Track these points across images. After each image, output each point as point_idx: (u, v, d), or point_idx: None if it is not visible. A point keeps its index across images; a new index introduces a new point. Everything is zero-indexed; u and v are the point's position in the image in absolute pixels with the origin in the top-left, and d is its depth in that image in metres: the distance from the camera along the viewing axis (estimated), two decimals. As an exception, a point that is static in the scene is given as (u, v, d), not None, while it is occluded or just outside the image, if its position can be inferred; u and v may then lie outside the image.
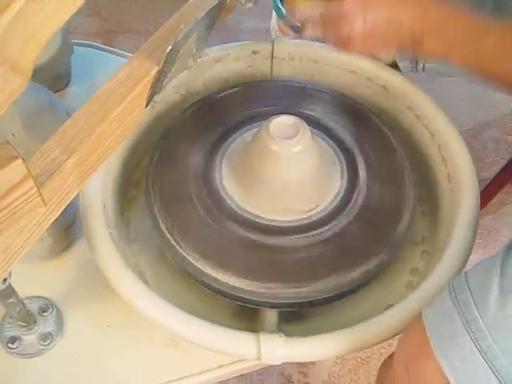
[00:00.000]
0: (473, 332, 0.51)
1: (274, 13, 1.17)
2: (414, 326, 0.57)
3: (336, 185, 0.71)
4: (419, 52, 0.66)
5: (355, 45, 0.67)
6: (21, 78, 0.44)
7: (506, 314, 0.50)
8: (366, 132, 0.76)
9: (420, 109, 0.78)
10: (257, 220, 0.68)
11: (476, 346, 0.50)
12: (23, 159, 0.46)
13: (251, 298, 0.64)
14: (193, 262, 0.66)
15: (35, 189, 0.49)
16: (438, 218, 0.74)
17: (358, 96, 0.83)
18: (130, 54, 0.97)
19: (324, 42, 0.85)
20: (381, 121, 0.78)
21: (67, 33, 0.91)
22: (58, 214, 0.57)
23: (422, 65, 0.82)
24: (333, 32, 0.68)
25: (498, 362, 0.50)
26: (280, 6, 1.12)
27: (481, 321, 0.50)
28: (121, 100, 0.62)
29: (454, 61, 0.64)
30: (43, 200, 0.52)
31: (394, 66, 0.83)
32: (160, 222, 0.69)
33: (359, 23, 0.64)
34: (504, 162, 1.32)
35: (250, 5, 0.64)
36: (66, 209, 0.58)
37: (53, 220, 0.56)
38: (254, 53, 0.83)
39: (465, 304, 0.52)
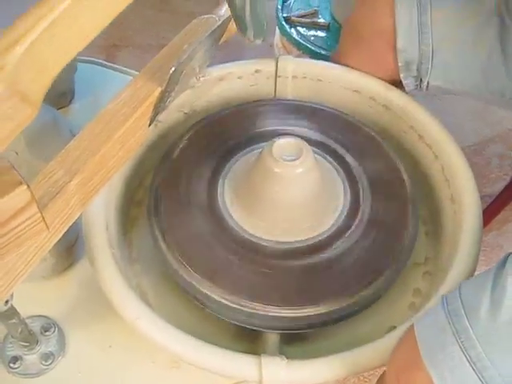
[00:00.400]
0: (462, 341, 0.51)
1: (277, 29, 1.18)
2: (405, 338, 0.57)
3: (338, 206, 0.71)
4: None
5: None
6: (31, 107, 0.44)
7: (497, 325, 0.50)
8: (368, 152, 0.76)
9: (423, 129, 0.78)
10: (260, 242, 0.68)
11: (465, 356, 0.50)
12: (28, 185, 0.46)
13: (253, 321, 0.64)
14: (194, 283, 0.65)
15: (39, 214, 0.49)
16: (442, 238, 0.74)
17: (361, 115, 0.82)
18: (133, 71, 0.97)
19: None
20: (383, 141, 0.78)
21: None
22: (61, 235, 0.57)
23: (426, 83, 0.82)
24: None
25: (488, 373, 0.50)
26: (284, 23, 1.13)
27: (471, 330, 0.51)
28: (124, 121, 0.62)
29: None
30: (46, 224, 0.52)
31: (398, 83, 0.83)
32: (161, 243, 0.68)
33: None
34: (508, 178, 1.32)
35: (259, 42, 0.63)
36: (68, 228, 0.58)
37: (55, 242, 0.57)
38: (257, 71, 0.83)
39: (456, 314, 0.52)
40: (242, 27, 0.62)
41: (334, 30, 1.11)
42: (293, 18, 1.11)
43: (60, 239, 0.58)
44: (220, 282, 0.65)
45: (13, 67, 0.42)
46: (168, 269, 0.68)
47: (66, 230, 0.58)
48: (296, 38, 1.09)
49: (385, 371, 0.62)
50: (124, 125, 0.62)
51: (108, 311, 0.64)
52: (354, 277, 0.67)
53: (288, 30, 1.11)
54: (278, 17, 1.12)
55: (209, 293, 0.65)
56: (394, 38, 0.80)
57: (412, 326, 0.56)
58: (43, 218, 0.51)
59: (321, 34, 1.11)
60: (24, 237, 0.50)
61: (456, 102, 1.49)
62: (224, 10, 0.70)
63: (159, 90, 0.66)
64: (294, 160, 0.66)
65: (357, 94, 0.83)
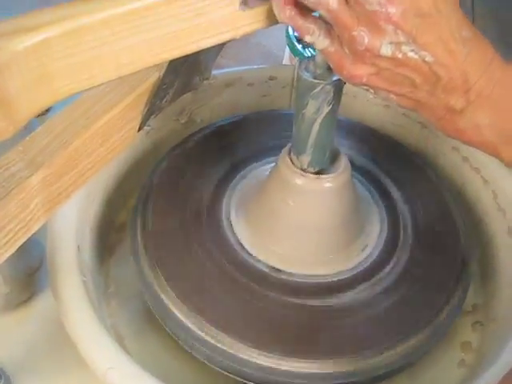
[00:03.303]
0: None
1: (287, 49, 1.07)
2: None
3: (373, 237, 0.58)
4: (446, 128, 0.42)
5: (365, 66, 0.40)
6: (5, 122, 0.33)
7: None
8: (406, 175, 0.64)
9: (469, 150, 0.65)
10: (272, 273, 0.55)
11: None
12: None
13: (263, 376, 0.49)
14: (189, 325, 0.51)
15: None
16: (494, 281, 0.61)
17: (391, 133, 0.70)
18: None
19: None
20: (423, 162, 0.65)
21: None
22: (14, 249, 0.43)
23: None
24: (348, 34, 0.39)
25: None
26: (295, 42, 1.02)
27: None
28: (109, 108, 0.49)
29: (503, 158, 0.44)
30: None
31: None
32: (148, 275, 0.55)
33: (387, 49, 0.39)
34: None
35: (311, 170, 0.53)
36: (29, 247, 0.44)
37: (4, 259, 0.42)
38: (272, 79, 0.71)
39: None
40: (298, 148, 0.52)
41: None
42: (305, 37, 1.00)
43: (17, 262, 0.44)
44: (222, 324, 0.51)
45: (9, 56, 0.31)
46: (154, 306, 0.55)
47: (21, 242, 0.43)
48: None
49: None
50: (108, 113, 0.49)
51: (73, 359, 0.50)
52: (391, 328, 0.53)
53: (301, 49, 0.99)
54: (288, 36, 1.01)
55: (206, 338, 0.51)
56: None
57: None
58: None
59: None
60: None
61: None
62: None
63: (156, 75, 0.53)
64: (322, 172, 0.52)
65: (387, 110, 0.71)
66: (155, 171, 0.63)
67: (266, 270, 0.54)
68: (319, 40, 0.40)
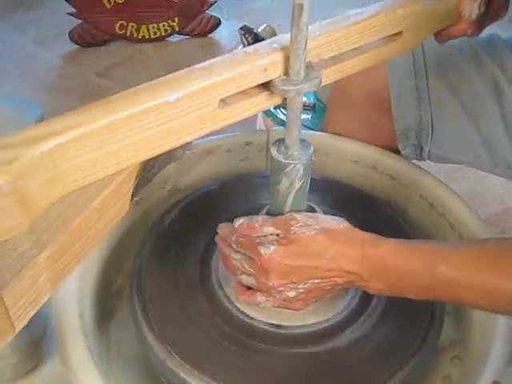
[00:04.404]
0: None
1: (260, 113, 1.13)
2: None
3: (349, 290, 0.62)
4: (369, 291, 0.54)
5: (297, 305, 0.55)
6: (24, 217, 0.38)
7: None
8: (379, 224, 0.68)
9: (435, 196, 0.71)
10: (262, 326, 0.58)
11: None
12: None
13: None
14: (191, 382, 0.54)
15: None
16: (470, 318, 0.65)
17: (363, 186, 0.75)
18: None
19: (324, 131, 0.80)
20: (393, 212, 0.70)
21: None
22: (25, 322, 0.46)
23: (427, 151, 0.76)
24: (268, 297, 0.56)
25: None
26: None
27: None
28: (103, 187, 0.54)
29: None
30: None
31: (397, 152, 0.77)
32: (148, 336, 0.58)
33: (291, 292, 0.54)
34: None
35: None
36: (33, 318, 0.48)
37: (17, 331, 0.46)
38: (248, 144, 0.76)
39: None
40: (275, 214, 0.57)
41: (319, 110, 1.06)
42: (277, 98, 1.06)
43: (22, 332, 0.47)
44: (222, 380, 0.54)
45: (28, 162, 0.36)
46: (156, 367, 0.57)
47: (31, 315, 0.47)
48: (282, 118, 1.03)
49: None
50: (103, 192, 0.54)
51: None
52: (369, 370, 0.56)
53: (272, 110, 1.06)
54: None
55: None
56: (388, 102, 0.75)
57: None
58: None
59: (306, 114, 1.06)
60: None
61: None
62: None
63: (144, 154, 0.58)
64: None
65: (357, 165, 0.76)
66: (147, 238, 0.66)
67: (260, 325, 0.58)
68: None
